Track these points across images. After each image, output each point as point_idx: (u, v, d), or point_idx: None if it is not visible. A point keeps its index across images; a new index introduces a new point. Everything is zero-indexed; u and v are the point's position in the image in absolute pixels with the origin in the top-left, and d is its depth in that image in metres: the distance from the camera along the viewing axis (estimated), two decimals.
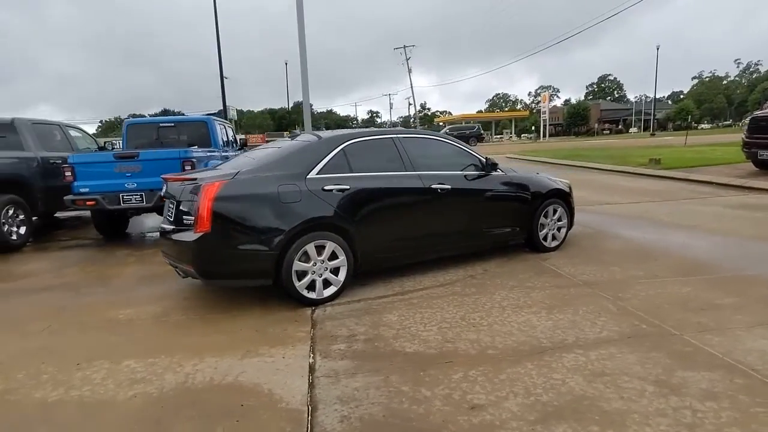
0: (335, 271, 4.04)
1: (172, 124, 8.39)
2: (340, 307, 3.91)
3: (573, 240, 5.90)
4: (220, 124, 9.12)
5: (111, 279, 5.10)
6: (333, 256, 4.01)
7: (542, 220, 5.30)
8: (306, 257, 3.89)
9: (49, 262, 5.97)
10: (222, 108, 24.97)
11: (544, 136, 56.02)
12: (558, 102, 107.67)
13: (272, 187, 3.82)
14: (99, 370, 2.96)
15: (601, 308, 3.67)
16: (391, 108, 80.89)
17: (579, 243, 5.79)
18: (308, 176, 3.99)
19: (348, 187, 4.08)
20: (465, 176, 4.83)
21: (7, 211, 6.70)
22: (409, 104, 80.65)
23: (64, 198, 6.52)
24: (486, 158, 4.97)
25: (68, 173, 6.52)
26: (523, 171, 5.57)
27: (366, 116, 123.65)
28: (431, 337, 3.26)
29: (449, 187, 4.59)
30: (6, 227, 6.65)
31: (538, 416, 2.31)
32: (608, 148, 24.99)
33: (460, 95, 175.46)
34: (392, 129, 4.94)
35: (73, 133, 8.87)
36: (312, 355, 3.06)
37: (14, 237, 6.79)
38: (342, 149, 4.24)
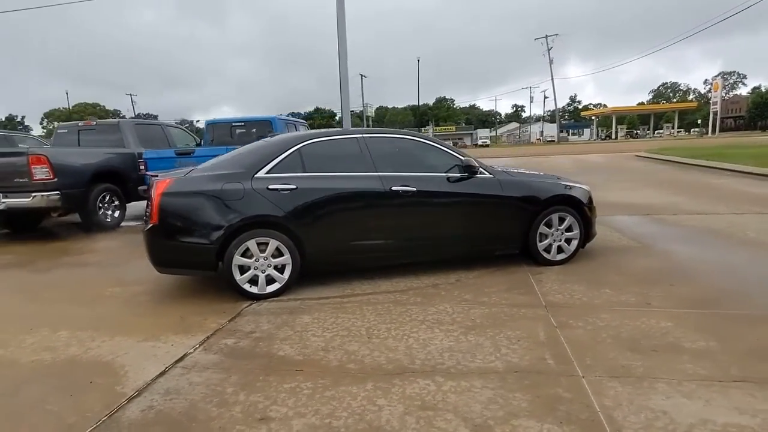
0: (281, 268, 4.14)
1: (242, 123, 9.25)
2: (273, 304, 4.00)
3: (600, 252, 5.16)
4: (289, 123, 9.79)
5: (137, 260, 5.84)
6: (278, 253, 4.11)
7: (543, 229, 4.71)
8: (249, 253, 4.05)
9: (113, 243, 7.06)
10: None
11: (714, 130, 48.11)
12: (744, 91, 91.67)
13: (217, 185, 4.05)
14: (36, 336, 3.50)
15: (529, 335, 3.20)
16: (531, 102, 76.96)
17: (603, 257, 5.03)
18: (256, 175, 4.13)
19: (295, 186, 4.13)
20: (437, 178, 4.50)
21: (104, 198, 8.08)
22: (545, 98, 75.91)
23: (138, 189, 7.62)
24: (465, 159, 4.58)
25: (142, 167, 7.63)
26: (523, 173, 4.98)
27: (510, 110, 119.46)
28: (314, 344, 3.19)
29: (414, 189, 4.35)
30: (102, 211, 8.03)
31: None
32: None
33: (619, 86, 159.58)
34: (359, 129, 4.82)
35: (173, 131, 10.29)
36: (196, 347, 3.23)
37: (108, 219, 8.16)
38: (297, 149, 4.30)
